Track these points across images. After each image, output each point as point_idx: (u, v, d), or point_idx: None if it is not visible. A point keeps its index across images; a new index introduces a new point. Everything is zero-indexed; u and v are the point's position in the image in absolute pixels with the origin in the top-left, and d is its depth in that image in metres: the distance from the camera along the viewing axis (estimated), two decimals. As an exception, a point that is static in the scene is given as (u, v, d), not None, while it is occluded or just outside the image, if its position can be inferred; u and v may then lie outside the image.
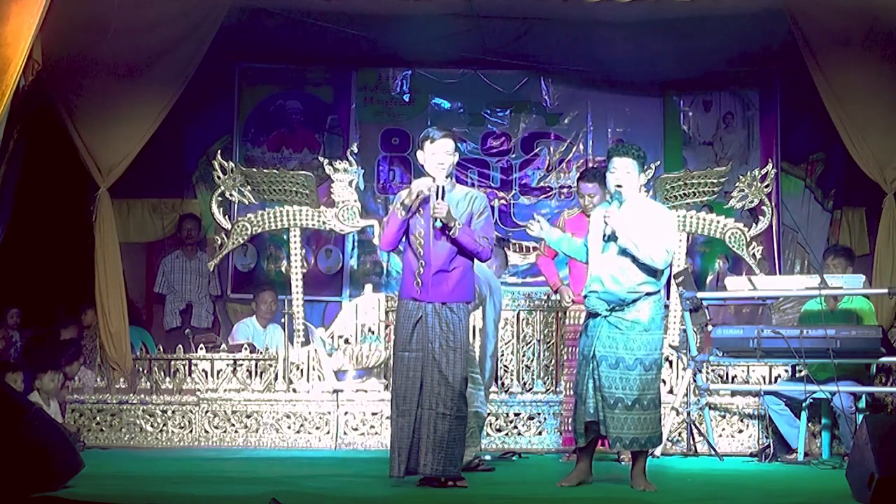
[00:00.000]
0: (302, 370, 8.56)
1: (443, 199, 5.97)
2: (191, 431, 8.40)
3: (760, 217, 9.03)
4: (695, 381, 8.05)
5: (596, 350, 6.00)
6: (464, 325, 6.10)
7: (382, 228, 6.32)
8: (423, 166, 6.22)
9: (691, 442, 8.00)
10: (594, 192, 7.44)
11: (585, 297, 6.13)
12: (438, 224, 5.98)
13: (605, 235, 6.01)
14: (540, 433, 8.29)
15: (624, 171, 6.07)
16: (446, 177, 6.08)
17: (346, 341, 8.60)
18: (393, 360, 6.18)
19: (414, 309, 6.04)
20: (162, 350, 9.10)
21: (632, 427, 5.95)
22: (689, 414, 8.01)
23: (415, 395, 5.99)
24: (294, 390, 8.48)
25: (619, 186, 6.07)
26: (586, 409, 6.02)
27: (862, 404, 7.67)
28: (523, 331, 8.83)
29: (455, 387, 5.99)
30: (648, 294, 6.03)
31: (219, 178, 9.15)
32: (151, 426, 8.43)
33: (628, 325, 6.00)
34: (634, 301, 6.01)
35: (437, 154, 6.08)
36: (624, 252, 6.00)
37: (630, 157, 6.08)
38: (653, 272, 6.03)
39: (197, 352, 8.78)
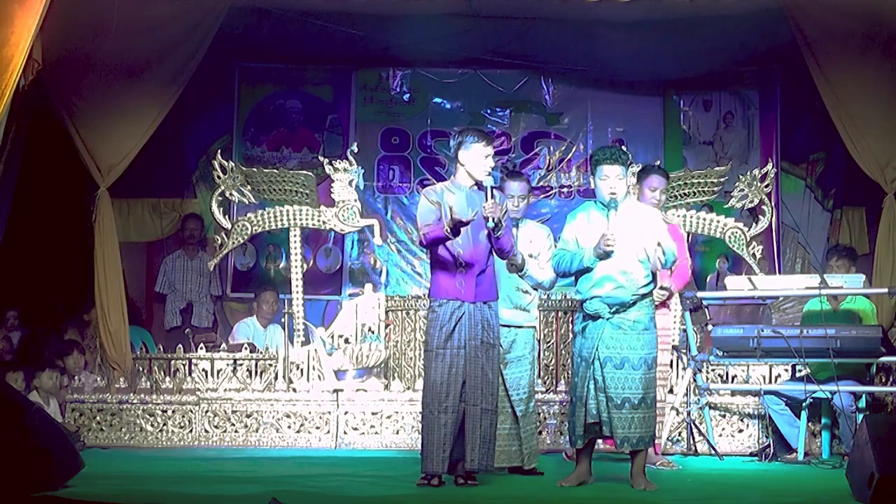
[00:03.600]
0: (302, 370, 8.56)
1: (493, 199, 6.04)
2: (191, 431, 8.40)
3: (760, 217, 9.03)
4: (695, 380, 8.05)
5: (599, 352, 6.01)
6: (498, 321, 6.25)
7: (423, 230, 6.19)
8: (461, 164, 6.21)
9: (691, 442, 8.00)
10: (663, 188, 7.26)
11: (586, 300, 6.11)
12: (491, 224, 6.02)
13: (605, 253, 6.01)
14: (540, 433, 8.27)
15: (616, 177, 6.07)
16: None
17: (346, 341, 8.60)
18: (427, 357, 6.16)
19: (455, 307, 6.08)
20: (162, 350, 9.11)
21: (638, 426, 5.98)
22: (689, 414, 8.01)
23: (457, 391, 6.03)
24: (294, 390, 8.48)
25: (613, 194, 6.07)
26: (588, 410, 6.03)
27: (862, 404, 7.67)
28: (523, 330, 8.81)
29: (494, 383, 6.16)
30: (644, 295, 6.09)
31: (219, 177, 9.14)
32: (151, 426, 8.43)
33: (631, 325, 6.03)
34: (635, 302, 6.04)
35: (490, 158, 6.19)
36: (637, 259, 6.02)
37: (620, 163, 6.09)
38: (652, 274, 6.08)
39: (197, 351, 8.79)
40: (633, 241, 6.01)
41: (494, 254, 6.23)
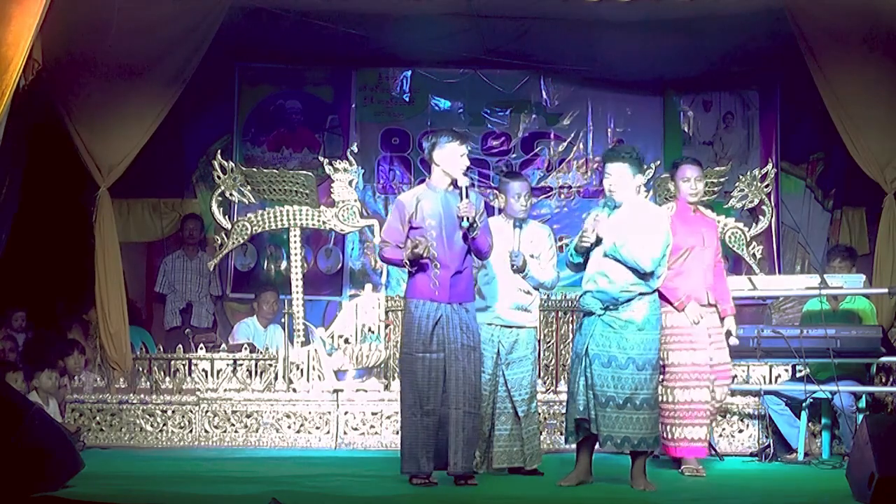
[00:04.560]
0: (302, 370, 8.56)
1: (467, 198, 6.05)
2: (191, 431, 8.40)
3: (760, 217, 9.04)
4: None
5: (589, 348, 6.02)
6: (476, 323, 6.24)
7: (383, 245, 6.30)
8: (436, 164, 6.25)
9: (691, 442, 7.98)
10: (698, 176, 7.04)
11: (581, 295, 6.14)
12: (466, 224, 6.04)
13: (591, 243, 6.04)
14: (540, 432, 8.26)
15: (618, 175, 6.11)
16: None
17: (346, 341, 8.59)
18: (406, 360, 6.16)
19: (432, 310, 6.08)
20: (162, 350, 9.11)
21: (623, 426, 5.95)
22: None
23: (438, 394, 6.03)
24: (294, 390, 8.48)
25: (611, 191, 6.11)
26: (576, 406, 6.04)
27: (862, 404, 7.68)
28: (523, 330, 8.81)
29: (477, 385, 6.15)
30: (642, 294, 6.06)
31: (219, 177, 9.15)
32: (151, 426, 8.42)
33: (622, 324, 6.02)
34: (628, 301, 6.03)
35: (465, 157, 6.24)
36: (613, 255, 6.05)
37: (623, 161, 6.11)
38: (642, 274, 6.05)
39: (197, 351, 8.79)
40: (620, 238, 6.06)
41: (473, 255, 6.24)
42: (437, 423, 6.04)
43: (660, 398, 6.88)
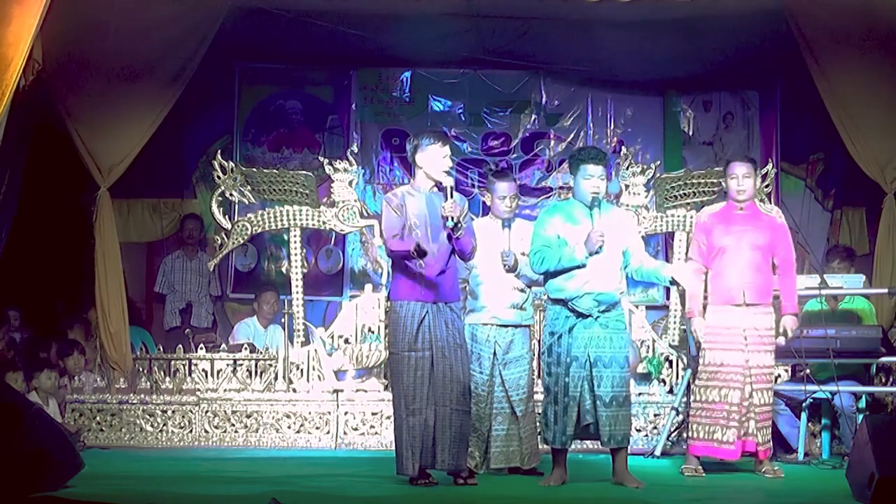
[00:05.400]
0: (302, 370, 8.56)
1: (452, 198, 6.07)
2: (191, 431, 8.41)
3: (760, 217, 9.02)
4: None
5: (590, 351, 6.09)
6: (461, 322, 6.29)
7: (392, 238, 6.25)
8: (419, 167, 6.27)
9: (691, 442, 7.97)
10: (746, 173, 6.88)
11: (575, 298, 6.13)
12: (451, 224, 6.03)
13: (595, 250, 6.08)
14: (538, 432, 8.25)
15: (599, 177, 6.19)
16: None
17: (346, 341, 8.61)
18: (393, 360, 6.20)
19: (417, 309, 6.09)
20: (162, 350, 9.11)
21: (623, 423, 6.12)
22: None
23: (424, 393, 6.04)
24: (294, 390, 8.48)
25: (596, 192, 6.18)
26: (581, 410, 6.08)
27: (862, 404, 7.68)
28: (523, 331, 8.81)
29: (465, 383, 6.15)
30: (620, 294, 6.27)
31: (219, 177, 9.14)
32: (151, 426, 8.43)
33: (615, 324, 6.18)
34: (617, 303, 6.20)
35: (447, 158, 6.24)
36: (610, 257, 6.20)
37: (604, 164, 6.23)
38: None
39: (197, 352, 8.79)
40: (613, 241, 6.15)
41: (457, 257, 6.25)
42: (424, 423, 6.04)
43: (692, 397, 6.94)
